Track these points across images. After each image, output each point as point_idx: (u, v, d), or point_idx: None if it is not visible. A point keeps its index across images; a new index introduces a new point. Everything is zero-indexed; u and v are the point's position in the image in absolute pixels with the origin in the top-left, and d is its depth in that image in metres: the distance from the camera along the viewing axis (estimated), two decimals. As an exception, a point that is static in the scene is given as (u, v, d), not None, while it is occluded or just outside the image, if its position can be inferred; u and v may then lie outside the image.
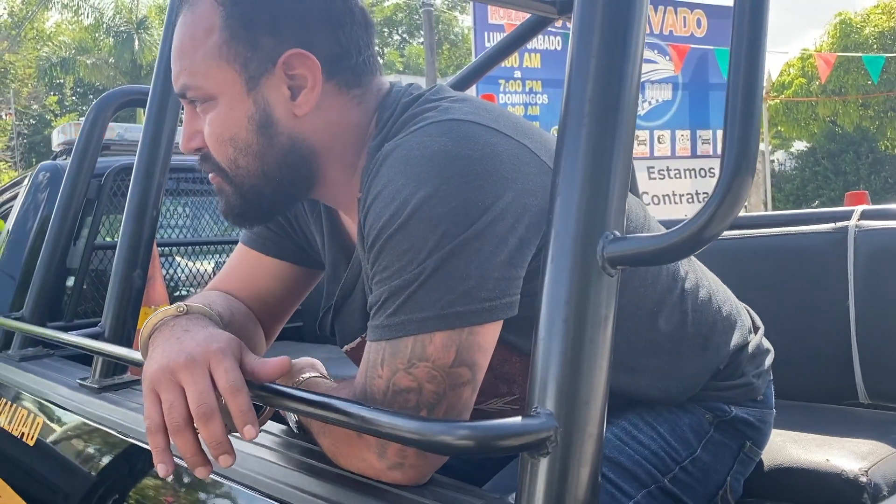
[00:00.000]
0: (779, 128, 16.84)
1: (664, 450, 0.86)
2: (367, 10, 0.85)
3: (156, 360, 0.72)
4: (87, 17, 23.78)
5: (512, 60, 8.09)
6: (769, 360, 0.98)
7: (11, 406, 1.48)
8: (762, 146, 17.73)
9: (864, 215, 1.37)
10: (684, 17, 8.94)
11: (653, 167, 8.92)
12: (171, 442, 0.70)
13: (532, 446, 0.54)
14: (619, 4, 0.59)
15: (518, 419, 0.55)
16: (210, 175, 0.85)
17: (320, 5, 0.80)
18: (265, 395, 0.71)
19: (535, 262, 0.72)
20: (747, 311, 1.01)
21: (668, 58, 8.74)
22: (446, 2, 31.56)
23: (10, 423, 1.44)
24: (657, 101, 9.00)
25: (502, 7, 1.90)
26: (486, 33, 8.46)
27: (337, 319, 0.91)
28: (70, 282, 1.93)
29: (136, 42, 22.91)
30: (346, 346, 0.91)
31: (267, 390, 0.70)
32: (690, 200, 9.00)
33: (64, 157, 2.23)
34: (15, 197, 2.18)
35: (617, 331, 0.82)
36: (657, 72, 8.91)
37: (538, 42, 8.42)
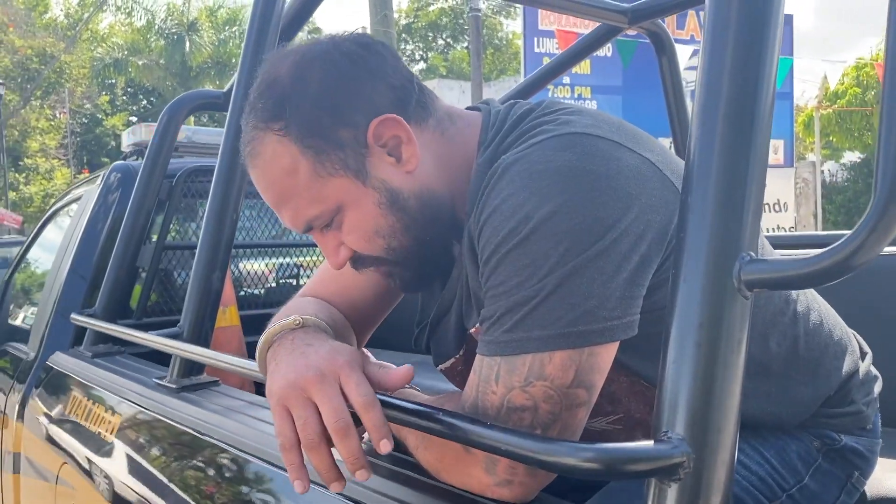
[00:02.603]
0: (831, 138, 16.48)
1: (772, 476, 0.84)
2: (388, 45, 0.85)
3: (282, 376, 0.71)
4: (140, 19, 24.31)
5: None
6: (878, 387, 0.95)
7: (88, 402, 1.51)
8: (812, 157, 17.34)
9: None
10: None
11: None
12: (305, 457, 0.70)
13: (663, 472, 0.53)
14: (753, 20, 0.58)
15: (649, 443, 0.54)
16: (370, 270, 0.86)
17: (359, 71, 0.79)
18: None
19: (654, 279, 0.71)
20: (855, 336, 0.98)
21: None
22: (492, 6, 31.57)
23: (87, 419, 1.47)
24: (709, 109, 8.86)
25: (574, 15, 1.89)
26: (535, 39, 8.42)
27: (433, 338, 0.91)
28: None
29: (187, 44, 23.36)
30: (440, 365, 0.91)
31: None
32: (755, 210, 8.85)
33: (134, 157, 2.28)
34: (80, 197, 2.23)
35: None
36: (710, 80, 8.77)
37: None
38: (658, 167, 0.74)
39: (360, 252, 0.84)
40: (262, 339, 0.79)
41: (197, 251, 1.34)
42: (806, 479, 0.86)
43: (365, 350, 0.83)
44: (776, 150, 9.16)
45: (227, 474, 1.06)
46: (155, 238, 1.89)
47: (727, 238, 0.55)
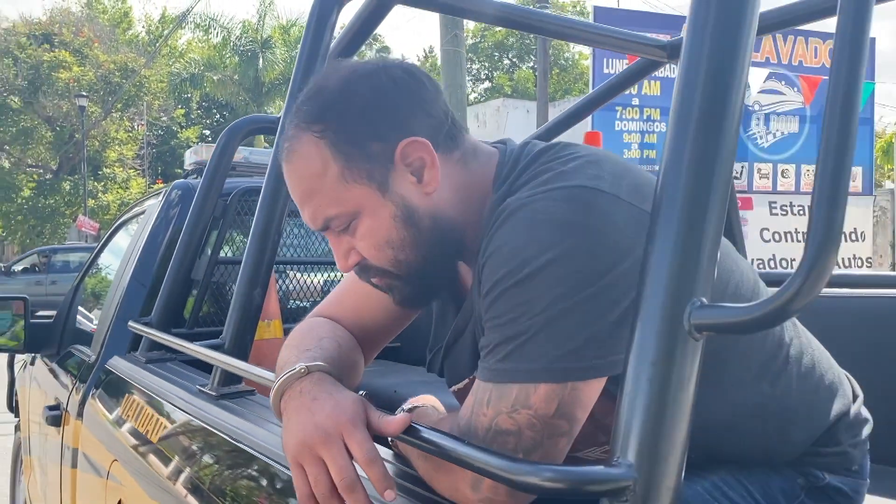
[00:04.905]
0: (908, 166, 15.91)
1: None
2: (432, 77, 0.92)
3: (293, 434, 0.78)
4: (217, 35, 25.16)
5: (631, 87, 7.80)
6: (867, 429, 0.98)
7: (138, 404, 1.62)
8: (890, 184, 16.71)
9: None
10: (815, 48, 8.59)
11: (775, 202, 8.55)
12: None
13: (612, 493, 0.58)
14: (717, 82, 0.63)
15: (601, 467, 0.59)
16: (374, 280, 0.93)
17: (400, 92, 0.87)
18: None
19: None
20: (848, 378, 1.01)
21: (796, 89, 8.41)
22: (559, 27, 31.52)
23: (136, 420, 1.58)
24: (783, 133, 8.65)
25: (613, 50, 1.94)
26: (605, 59, 8.40)
27: (447, 360, 0.97)
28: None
29: (261, 60, 24.08)
30: (453, 387, 0.97)
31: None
32: (814, 239, 8.56)
33: (194, 176, 2.41)
34: (144, 211, 2.38)
35: (724, 394, 0.85)
36: (784, 103, 8.55)
37: (659, 69, 8.27)
38: None
39: (367, 260, 0.90)
40: (274, 388, 0.86)
41: (241, 269, 1.44)
42: None
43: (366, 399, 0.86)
44: (854, 177, 8.91)
45: (255, 478, 1.14)
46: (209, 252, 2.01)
47: (681, 284, 0.60)
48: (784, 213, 8.63)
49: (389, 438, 0.94)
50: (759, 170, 8.18)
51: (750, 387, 0.88)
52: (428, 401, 1.04)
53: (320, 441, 0.76)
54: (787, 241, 8.60)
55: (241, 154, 2.32)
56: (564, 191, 0.78)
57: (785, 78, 8.48)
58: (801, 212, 8.63)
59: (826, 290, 1.45)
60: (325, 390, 0.82)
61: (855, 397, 0.99)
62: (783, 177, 8.69)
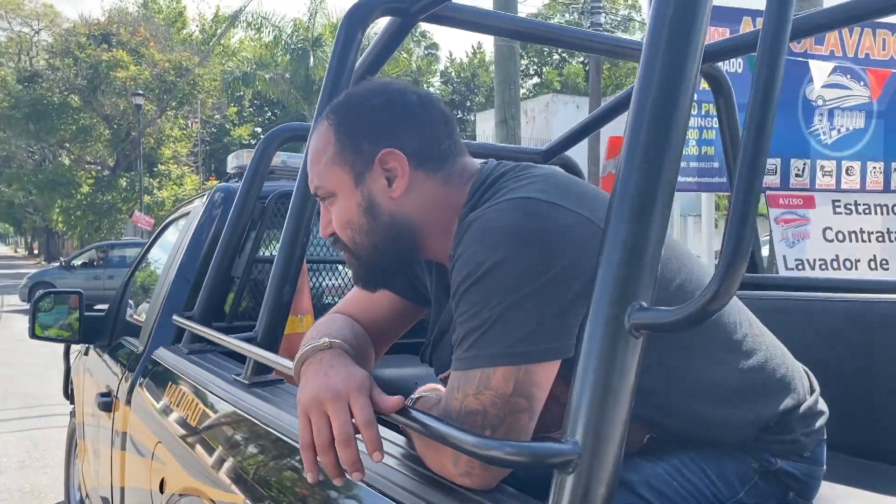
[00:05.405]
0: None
1: (709, 489, 0.97)
2: (444, 108, 1.07)
3: (308, 390, 0.91)
4: (268, 34, 25.55)
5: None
6: (821, 421, 1.06)
7: (180, 391, 1.76)
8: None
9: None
10: (884, 40, 8.37)
11: (839, 201, 8.33)
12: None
13: (560, 465, 0.68)
14: (667, 102, 0.72)
15: (552, 443, 0.69)
16: (342, 253, 1.11)
17: (404, 114, 1.03)
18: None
19: None
20: (806, 374, 1.09)
21: (862, 83, 8.20)
22: (611, 20, 31.32)
23: (178, 406, 1.73)
24: (847, 129, 8.42)
25: (630, 60, 2.01)
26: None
27: (434, 353, 1.09)
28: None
29: (312, 59, 24.40)
30: (440, 375, 1.09)
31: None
32: (881, 239, 8.33)
33: (236, 179, 2.55)
34: (189, 213, 2.54)
35: (676, 383, 0.94)
36: (849, 98, 8.34)
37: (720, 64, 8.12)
38: (596, 223, 0.90)
39: (337, 233, 1.07)
40: (298, 355, 0.99)
41: (273, 267, 1.56)
42: (741, 495, 0.99)
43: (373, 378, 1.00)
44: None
45: (280, 459, 1.26)
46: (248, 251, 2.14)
47: (624, 289, 0.69)
48: (848, 211, 8.34)
49: (400, 425, 1.06)
50: (822, 167, 7.96)
51: (701, 379, 0.98)
52: (434, 389, 1.16)
53: (330, 399, 0.88)
54: (851, 240, 8.29)
55: (280, 158, 2.45)
56: (512, 202, 0.92)
57: (851, 72, 8.23)
58: (867, 210, 8.35)
59: (806, 294, 1.51)
60: (341, 362, 0.96)
61: (812, 391, 1.07)
62: (847, 174, 8.44)
